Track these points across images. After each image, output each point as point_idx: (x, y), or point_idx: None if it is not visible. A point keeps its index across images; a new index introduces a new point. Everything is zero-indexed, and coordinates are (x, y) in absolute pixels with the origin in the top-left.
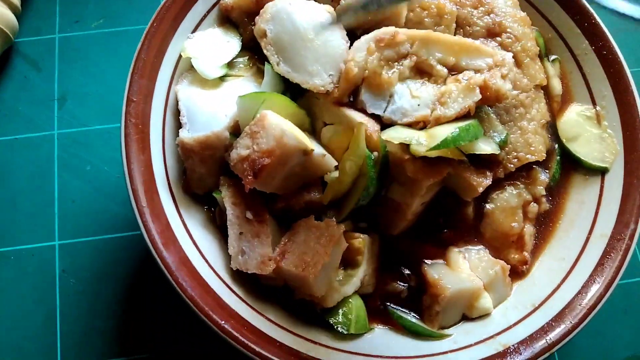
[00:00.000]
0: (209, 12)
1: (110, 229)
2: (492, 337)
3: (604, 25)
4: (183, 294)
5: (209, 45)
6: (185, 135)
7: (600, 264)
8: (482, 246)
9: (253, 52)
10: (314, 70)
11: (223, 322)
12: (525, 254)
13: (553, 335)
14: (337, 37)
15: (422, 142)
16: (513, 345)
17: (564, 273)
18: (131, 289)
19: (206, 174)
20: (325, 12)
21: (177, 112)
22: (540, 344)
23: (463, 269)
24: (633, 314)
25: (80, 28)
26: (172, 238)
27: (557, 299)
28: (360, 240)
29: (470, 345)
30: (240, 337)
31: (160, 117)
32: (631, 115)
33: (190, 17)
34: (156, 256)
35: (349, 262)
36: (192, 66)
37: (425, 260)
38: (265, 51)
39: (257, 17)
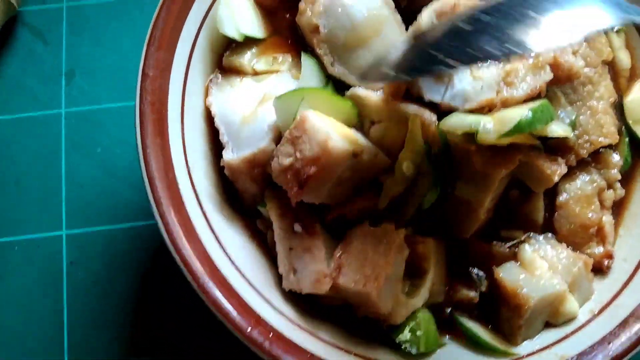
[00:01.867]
0: None
1: (123, 217)
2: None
3: None
4: (213, 306)
5: (238, 4)
6: (230, 156)
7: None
8: (555, 240)
9: (288, 40)
10: None
11: (266, 342)
12: (609, 246)
13: (615, 347)
14: (395, 31)
15: (490, 128)
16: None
17: (626, 276)
18: (145, 283)
19: (259, 192)
20: (382, 1)
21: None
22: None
23: (541, 269)
24: None
25: None
26: (193, 236)
27: (620, 305)
28: (425, 245)
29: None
30: None
31: (179, 94)
32: None
33: None
34: (179, 260)
35: (414, 270)
36: (215, 55)
37: (496, 265)
38: (317, 49)
39: (303, 5)
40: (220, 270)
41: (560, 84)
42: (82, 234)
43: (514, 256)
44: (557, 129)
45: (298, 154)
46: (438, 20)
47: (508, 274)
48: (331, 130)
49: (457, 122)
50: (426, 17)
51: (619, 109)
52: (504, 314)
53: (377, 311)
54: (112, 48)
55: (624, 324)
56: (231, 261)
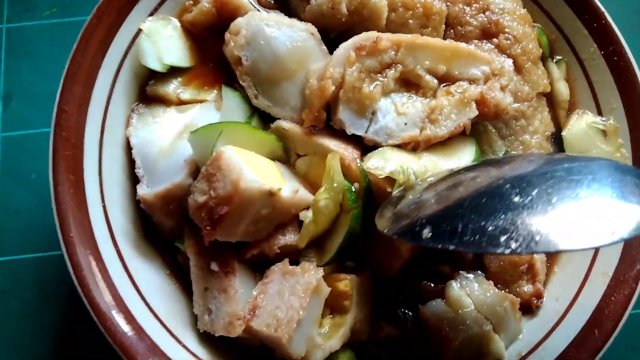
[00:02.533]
0: (160, 5)
1: (57, 245)
2: None
3: (615, 26)
4: (120, 350)
5: (163, 34)
6: (144, 191)
7: (599, 310)
8: (483, 278)
9: (218, 69)
10: (297, 105)
11: None
12: (539, 285)
13: None
14: (320, 64)
15: (413, 177)
16: None
17: (557, 317)
18: (78, 313)
19: (176, 226)
20: (307, 33)
21: (118, 128)
22: None
23: (467, 308)
24: (636, 350)
25: (31, 17)
26: (104, 272)
27: (548, 348)
28: (347, 283)
29: None
30: None
31: (98, 128)
32: None
33: (137, 11)
34: (86, 302)
35: (335, 307)
36: (140, 86)
37: (423, 303)
38: (240, 81)
39: (227, 36)
40: (132, 312)
41: (488, 120)
42: (15, 261)
43: (441, 293)
44: None
45: (212, 192)
46: (355, 54)
47: (434, 313)
48: (245, 169)
49: (380, 163)
50: (343, 50)
51: (557, 141)
52: (430, 351)
53: (289, 356)
54: (51, 72)
55: None
56: (145, 302)
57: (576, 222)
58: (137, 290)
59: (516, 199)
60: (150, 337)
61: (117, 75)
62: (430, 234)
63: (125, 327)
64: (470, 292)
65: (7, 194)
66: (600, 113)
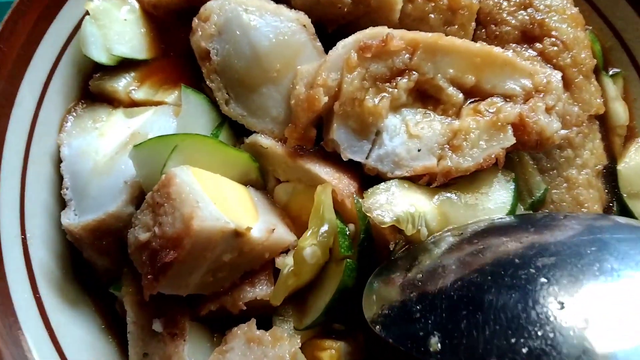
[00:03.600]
0: None
1: None
2: None
3: None
4: None
5: (115, 17)
6: (70, 220)
7: None
8: None
9: (184, 64)
10: (281, 116)
11: None
12: None
13: None
14: (312, 65)
15: (424, 230)
16: None
17: None
18: None
19: (113, 266)
20: (298, 24)
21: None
22: None
23: None
24: None
25: None
26: (15, 333)
27: None
28: (332, 354)
29: None
30: None
31: (23, 137)
32: None
33: None
34: None
35: None
36: (83, 82)
37: None
38: (208, 81)
39: (195, 22)
40: None
41: (528, 150)
42: None
43: None
44: None
45: (157, 229)
46: (358, 55)
47: None
48: (202, 200)
49: (384, 204)
50: (341, 50)
51: (610, 176)
52: None
53: None
54: None
55: None
56: None
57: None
58: (56, 348)
59: (558, 299)
60: None
61: (53, 70)
62: (439, 345)
63: None
64: None
65: None
66: None
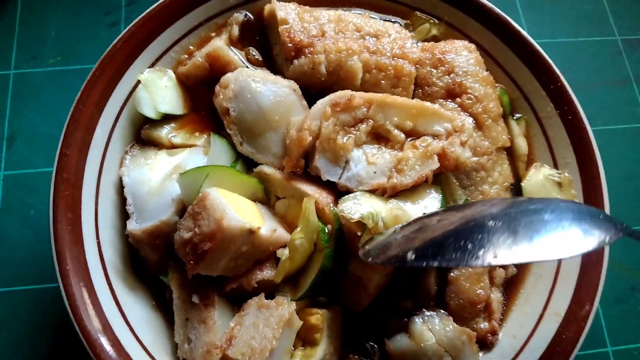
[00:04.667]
0: (158, 60)
1: (50, 278)
2: None
3: (570, 87)
4: None
5: (159, 85)
6: (133, 227)
7: (552, 346)
8: (445, 314)
9: (207, 117)
10: (279, 152)
11: None
12: (494, 323)
13: None
14: (300, 117)
15: (381, 223)
16: None
17: (513, 353)
18: (69, 344)
19: (161, 261)
20: (290, 89)
21: (114, 172)
22: None
23: (428, 341)
24: None
25: (37, 65)
26: (95, 304)
27: None
28: (318, 317)
29: None
30: None
31: (96, 171)
32: (594, 186)
33: (137, 65)
34: (78, 329)
35: (307, 340)
36: (136, 130)
37: (388, 336)
38: (227, 129)
39: (217, 88)
40: (119, 339)
41: (449, 171)
42: (9, 293)
43: (405, 327)
44: None
45: (197, 229)
46: (331, 109)
47: (398, 346)
48: (228, 209)
49: (352, 207)
50: (320, 106)
51: (517, 191)
52: None
53: None
54: (54, 116)
55: None
56: (132, 330)
57: (545, 237)
58: (124, 319)
59: (490, 223)
60: None
61: (116, 122)
62: (414, 256)
63: (112, 354)
64: (431, 327)
65: (6, 229)
66: (556, 166)
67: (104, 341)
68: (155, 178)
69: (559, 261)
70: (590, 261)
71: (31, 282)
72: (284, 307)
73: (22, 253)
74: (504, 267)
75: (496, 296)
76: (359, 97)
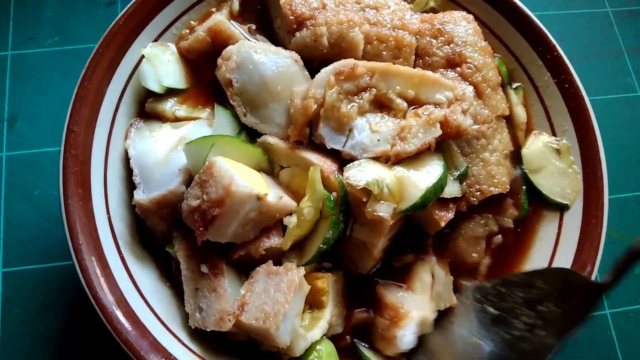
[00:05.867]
0: (160, 36)
1: (58, 256)
2: None
3: (566, 57)
4: (126, 347)
5: (162, 59)
6: (140, 196)
7: None
8: (439, 267)
9: (210, 90)
10: (282, 122)
11: None
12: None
13: None
14: (303, 86)
15: (386, 190)
16: None
17: None
18: (78, 320)
19: (167, 230)
20: (292, 59)
21: (121, 145)
22: None
23: (422, 290)
24: (594, 348)
25: (35, 45)
26: (110, 277)
27: None
28: (324, 280)
29: None
30: None
31: (103, 147)
32: (592, 152)
33: (139, 42)
34: (94, 303)
35: (314, 303)
36: (140, 105)
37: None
38: (231, 101)
39: (220, 61)
40: (136, 313)
41: (450, 139)
42: (18, 272)
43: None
44: (450, 190)
45: (205, 197)
46: (335, 78)
47: (390, 291)
48: (235, 175)
49: (358, 174)
50: (324, 74)
51: (517, 159)
52: (381, 324)
53: (276, 345)
54: (54, 96)
55: None
56: (146, 302)
57: None
58: (138, 291)
59: None
60: (152, 334)
61: (121, 98)
62: None
63: (128, 326)
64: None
65: (11, 209)
66: (554, 133)
67: (120, 314)
68: (161, 149)
69: (560, 224)
70: (590, 224)
71: (40, 261)
72: (293, 272)
73: (29, 232)
74: (504, 234)
75: (486, 261)
76: (362, 65)
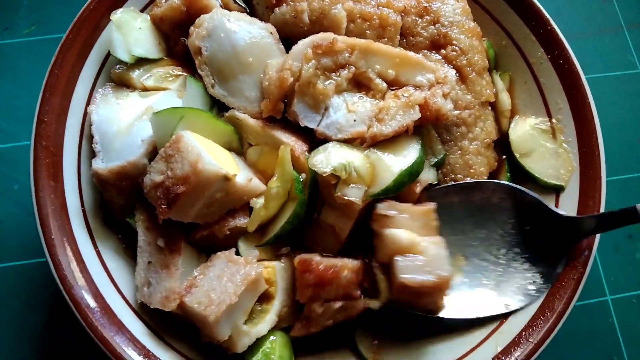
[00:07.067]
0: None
1: (40, 252)
2: None
3: (560, 32)
4: (92, 334)
5: (133, 26)
6: (99, 165)
7: (552, 294)
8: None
9: (183, 62)
10: (252, 96)
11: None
12: None
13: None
14: (277, 59)
15: (354, 173)
16: None
17: None
18: (63, 316)
19: (126, 204)
20: (266, 31)
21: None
22: None
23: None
24: (596, 335)
25: (11, 35)
26: (84, 272)
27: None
28: (269, 271)
29: None
30: None
31: (76, 138)
32: (588, 130)
33: (111, 26)
34: (65, 293)
35: (262, 295)
36: (110, 80)
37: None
38: (199, 70)
39: (192, 28)
40: (113, 310)
41: (429, 123)
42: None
43: None
44: (426, 177)
45: (169, 172)
46: (313, 51)
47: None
48: (203, 152)
49: (326, 158)
50: (301, 47)
51: (504, 145)
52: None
53: (213, 337)
54: (32, 87)
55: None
56: (122, 296)
57: None
58: (115, 286)
59: None
60: (128, 330)
61: (95, 84)
62: None
63: (104, 322)
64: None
65: None
66: (549, 112)
67: (97, 312)
68: (125, 118)
69: (556, 207)
70: (587, 207)
71: (22, 257)
72: (252, 266)
73: (10, 228)
74: None
75: None
76: (342, 41)
